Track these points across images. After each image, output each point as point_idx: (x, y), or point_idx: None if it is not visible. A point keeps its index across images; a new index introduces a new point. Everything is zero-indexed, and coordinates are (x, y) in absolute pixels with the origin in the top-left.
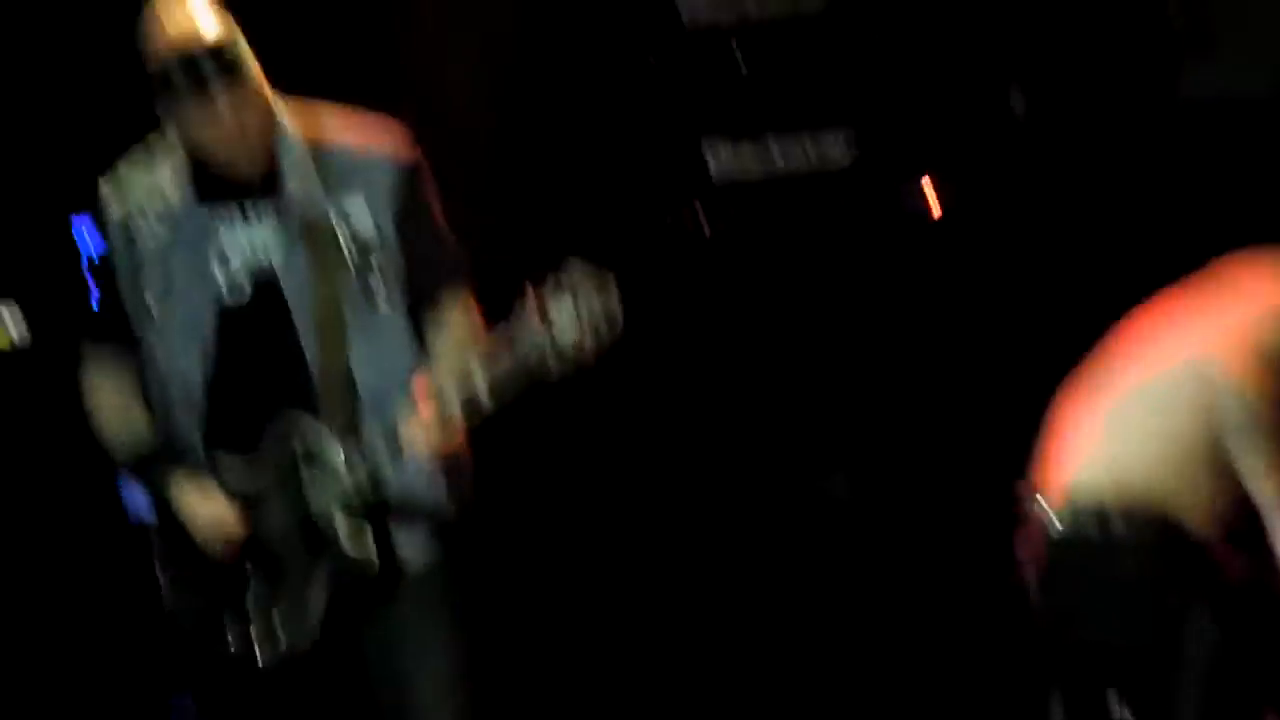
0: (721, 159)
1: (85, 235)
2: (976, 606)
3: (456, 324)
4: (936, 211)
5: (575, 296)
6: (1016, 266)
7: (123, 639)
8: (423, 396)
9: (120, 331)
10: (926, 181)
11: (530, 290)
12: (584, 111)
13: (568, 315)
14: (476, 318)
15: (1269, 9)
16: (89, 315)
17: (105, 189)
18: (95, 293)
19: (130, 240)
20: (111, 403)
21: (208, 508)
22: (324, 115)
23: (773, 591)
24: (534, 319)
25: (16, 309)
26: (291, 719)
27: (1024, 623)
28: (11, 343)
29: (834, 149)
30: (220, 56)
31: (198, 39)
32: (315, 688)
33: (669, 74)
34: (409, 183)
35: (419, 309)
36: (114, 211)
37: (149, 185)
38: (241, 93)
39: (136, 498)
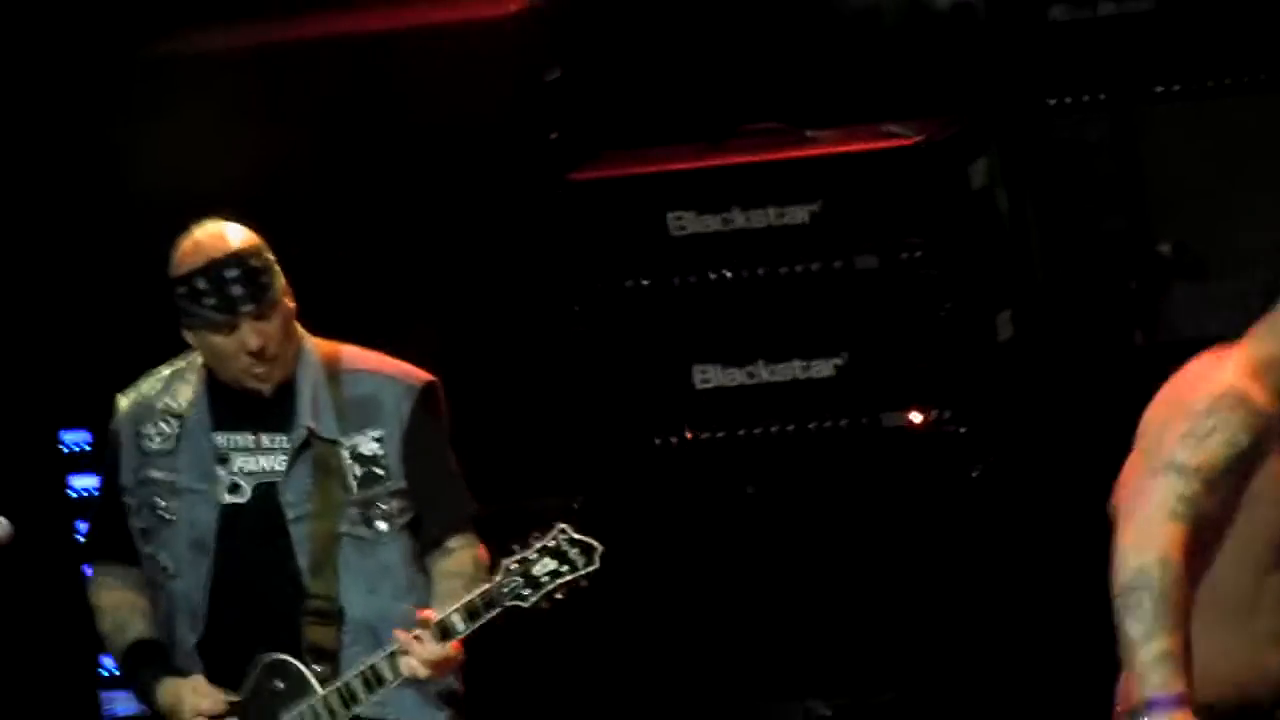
0: (709, 376)
1: (71, 448)
2: None
3: (460, 562)
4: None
5: (559, 560)
6: (1001, 485)
7: None
8: (422, 625)
9: (125, 552)
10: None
11: (517, 546)
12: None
13: (546, 578)
14: (482, 555)
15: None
16: (95, 535)
17: (122, 401)
18: (101, 512)
19: (139, 446)
20: (110, 608)
21: (194, 699)
22: (343, 348)
23: None
24: (514, 578)
25: (6, 522)
26: None
27: None
28: None
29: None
30: (249, 270)
31: (231, 251)
32: None
33: (657, 292)
34: (420, 415)
35: (423, 541)
36: (126, 421)
37: (166, 398)
38: (268, 311)
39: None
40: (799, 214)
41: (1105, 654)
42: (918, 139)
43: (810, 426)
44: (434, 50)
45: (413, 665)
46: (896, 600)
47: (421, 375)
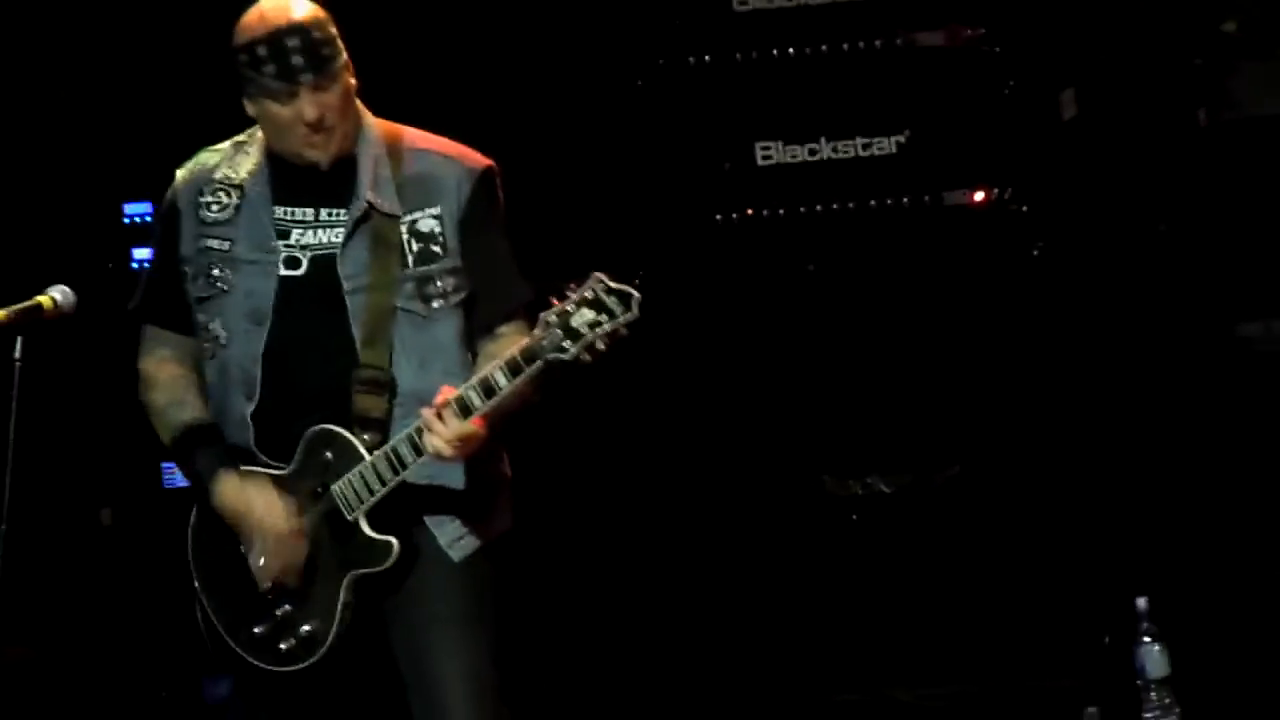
0: (771, 153)
1: (134, 219)
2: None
3: (505, 346)
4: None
5: (596, 310)
6: (1062, 264)
7: (161, 614)
8: (442, 401)
9: (180, 319)
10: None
11: (554, 299)
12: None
13: (586, 328)
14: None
15: None
16: (148, 299)
17: (180, 173)
18: (157, 277)
19: (198, 216)
20: (166, 381)
21: (268, 514)
22: (404, 129)
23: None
24: (554, 330)
25: (69, 291)
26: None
27: None
28: (56, 304)
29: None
30: (310, 40)
31: (292, 21)
32: (340, 687)
33: (720, 69)
34: (479, 196)
35: (475, 323)
36: (185, 191)
37: (226, 169)
38: (329, 82)
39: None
40: None
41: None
42: None
43: (872, 204)
44: None
45: (435, 443)
46: (957, 379)
47: (482, 158)
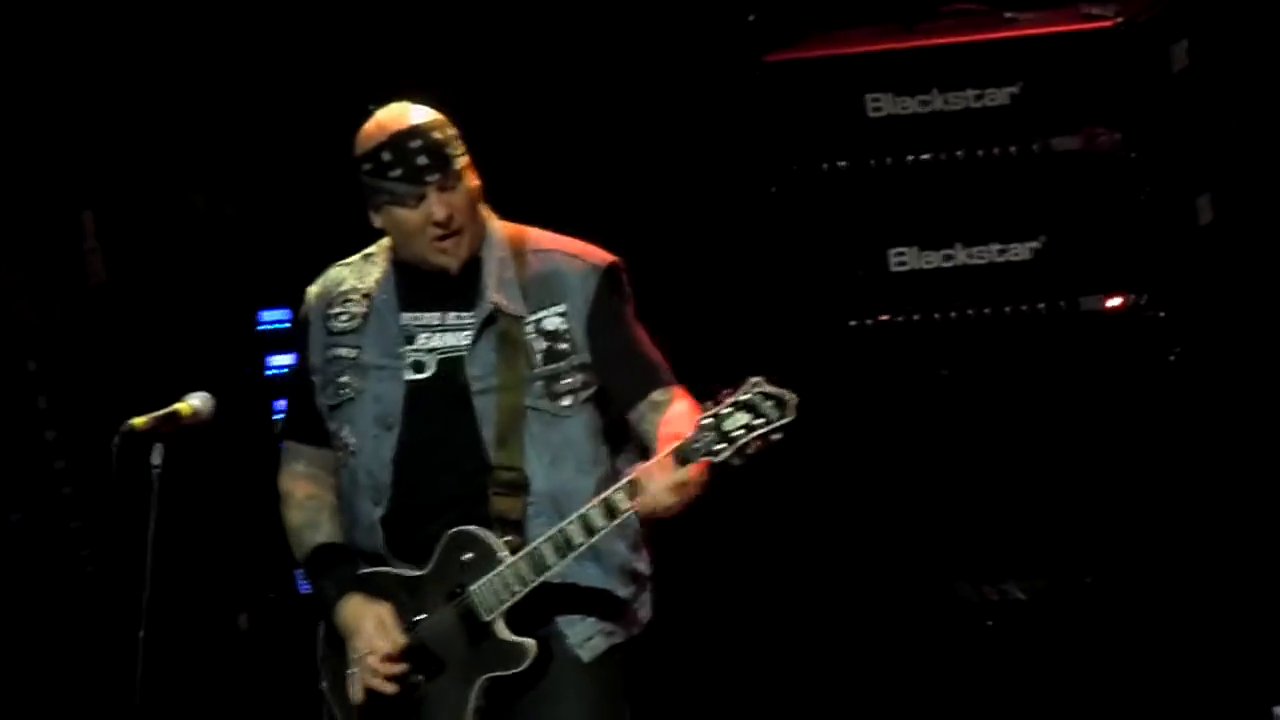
0: (905, 257)
1: (270, 327)
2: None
3: (674, 410)
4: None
5: (751, 414)
6: (1200, 370)
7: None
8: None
9: (316, 432)
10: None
11: (709, 402)
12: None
13: (740, 431)
14: (691, 403)
15: None
16: (288, 414)
17: (312, 289)
18: (293, 393)
19: (327, 327)
20: (301, 500)
21: (376, 634)
22: (528, 229)
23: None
24: (707, 433)
25: (209, 398)
26: None
27: None
28: (193, 412)
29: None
30: (434, 141)
31: (416, 124)
32: None
33: (854, 175)
34: (606, 289)
35: (619, 410)
36: (316, 305)
37: (354, 280)
38: (454, 183)
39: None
40: (998, 96)
41: None
42: (1118, 20)
43: (1006, 310)
44: None
45: (654, 493)
46: (1092, 485)
47: (606, 255)
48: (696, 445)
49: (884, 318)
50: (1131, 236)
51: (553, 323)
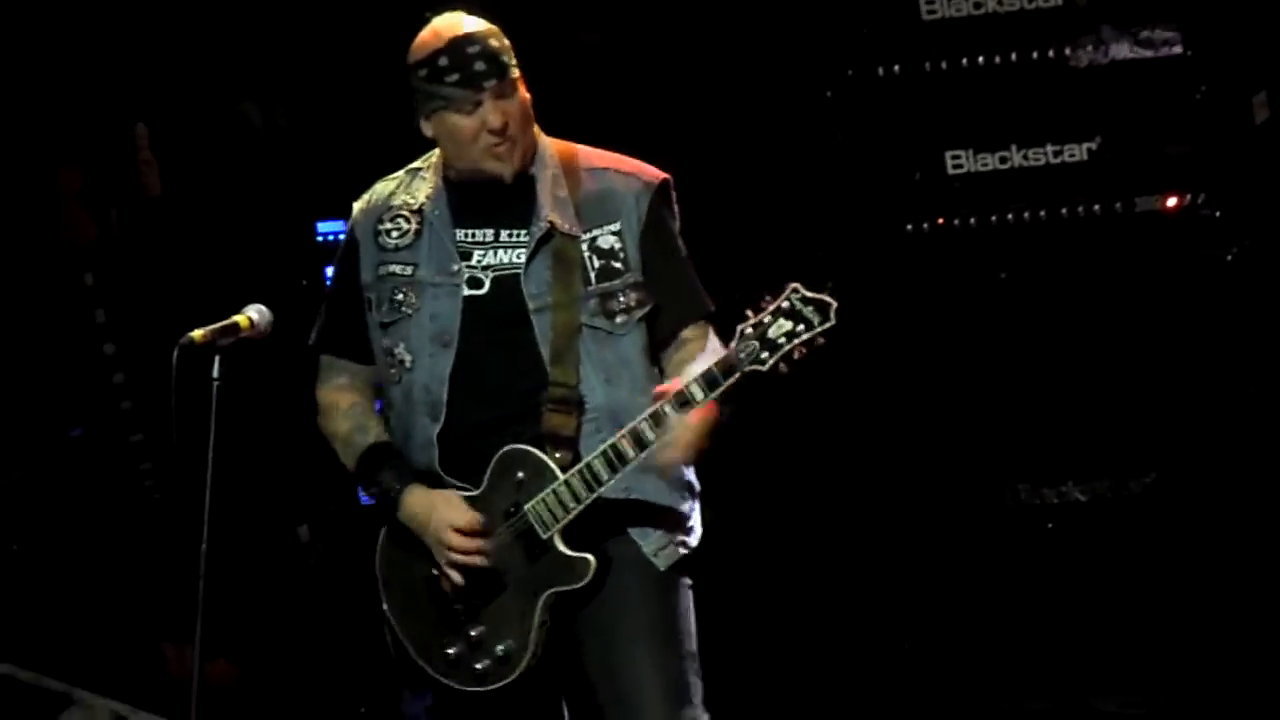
0: (962, 160)
1: (329, 240)
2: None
3: (693, 350)
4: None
5: (794, 320)
6: (1257, 269)
7: (361, 629)
8: (668, 397)
9: (360, 349)
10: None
11: (750, 311)
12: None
13: (783, 339)
14: (716, 343)
15: None
16: (327, 331)
17: (358, 204)
18: (336, 307)
19: (378, 243)
20: (346, 409)
21: (448, 510)
22: (579, 147)
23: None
24: (750, 342)
25: (266, 310)
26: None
27: None
28: (253, 323)
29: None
30: (489, 49)
31: (471, 31)
32: (534, 704)
33: (910, 81)
34: (657, 210)
35: (659, 335)
36: (363, 220)
37: (404, 196)
38: (508, 91)
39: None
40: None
41: None
42: None
43: (1063, 212)
44: None
45: (663, 441)
46: (1151, 385)
47: (657, 172)
48: (742, 356)
49: (941, 221)
50: (1188, 137)
51: (607, 241)
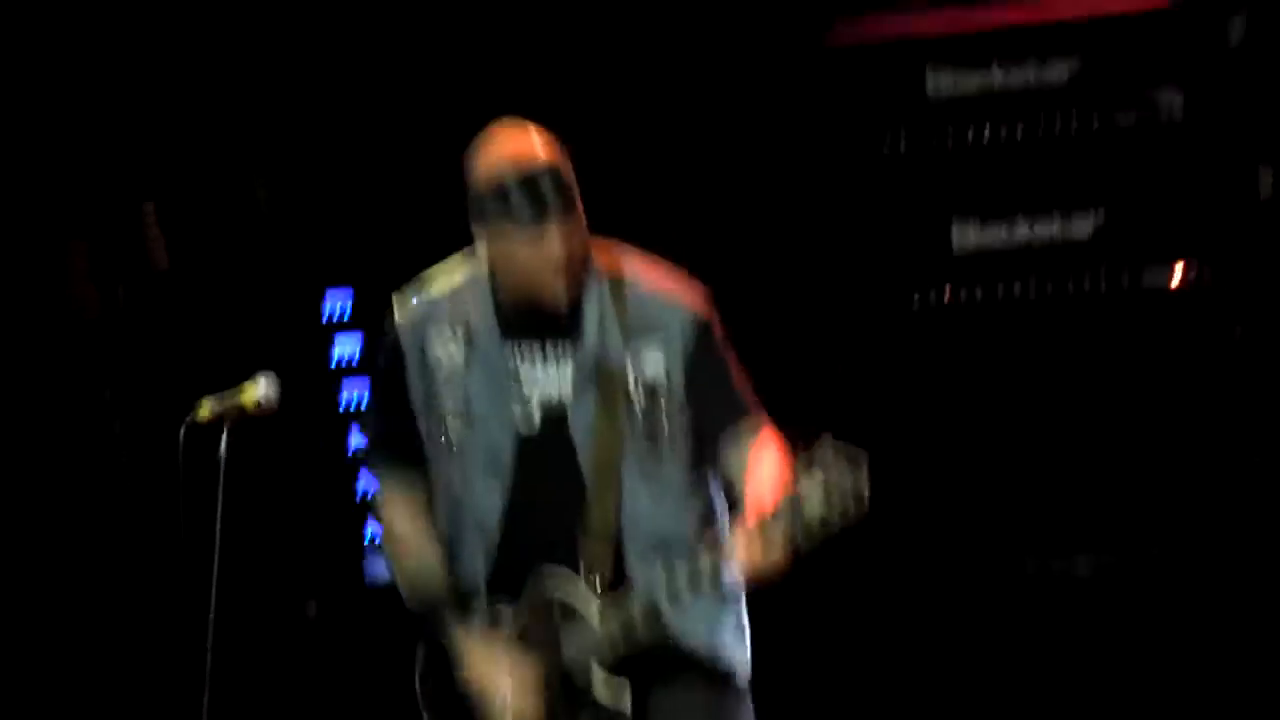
0: (968, 235)
1: (336, 308)
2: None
3: (763, 454)
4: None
5: (826, 475)
6: (1263, 344)
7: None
8: (754, 514)
9: (413, 453)
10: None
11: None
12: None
13: (818, 493)
14: (779, 450)
15: None
16: (380, 442)
17: (406, 302)
18: (385, 417)
19: (424, 358)
20: (408, 534)
21: (513, 692)
22: (626, 257)
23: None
24: (785, 517)
25: (274, 379)
26: None
27: None
28: (257, 403)
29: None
30: (560, 181)
31: (543, 161)
32: None
33: (916, 153)
34: (704, 334)
35: (708, 455)
36: (410, 330)
37: (454, 306)
38: (573, 222)
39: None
40: (1058, 73)
41: None
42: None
43: (1069, 285)
44: None
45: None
46: (1157, 461)
47: (701, 294)
48: (776, 528)
49: (948, 294)
50: (1193, 210)
51: (652, 368)
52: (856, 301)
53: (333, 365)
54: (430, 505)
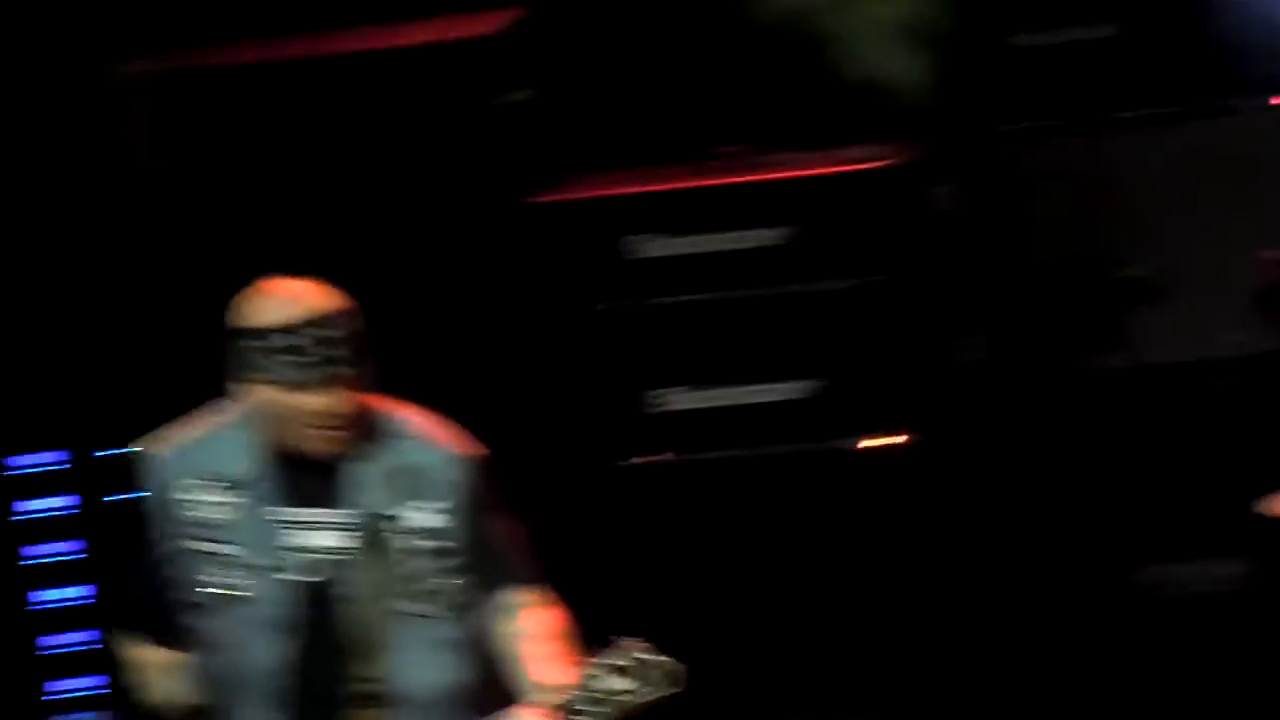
0: (668, 397)
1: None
2: None
3: (537, 622)
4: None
5: (638, 679)
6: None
7: None
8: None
9: (162, 625)
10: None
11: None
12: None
13: (620, 672)
14: (549, 611)
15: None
16: (127, 607)
17: (153, 456)
18: (132, 579)
19: (184, 514)
20: (158, 661)
21: None
22: (399, 410)
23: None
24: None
25: None
26: None
27: None
28: None
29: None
30: (331, 335)
31: (324, 311)
32: None
33: (619, 316)
34: (477, 490)
35: (485, 609)
36: (163, 482)
37: (215, 463)
38: (344, 376)
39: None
40: (765, 237)
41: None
42: (884, 163)
43: (778, 450)
44: (404, 71)
45: None
46: (861, 625)
47: (472, 444)
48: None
49: (653, 458)
50: (901, 376)
51: (422, 522)
52: (555, 459)
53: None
54: (184, 662)
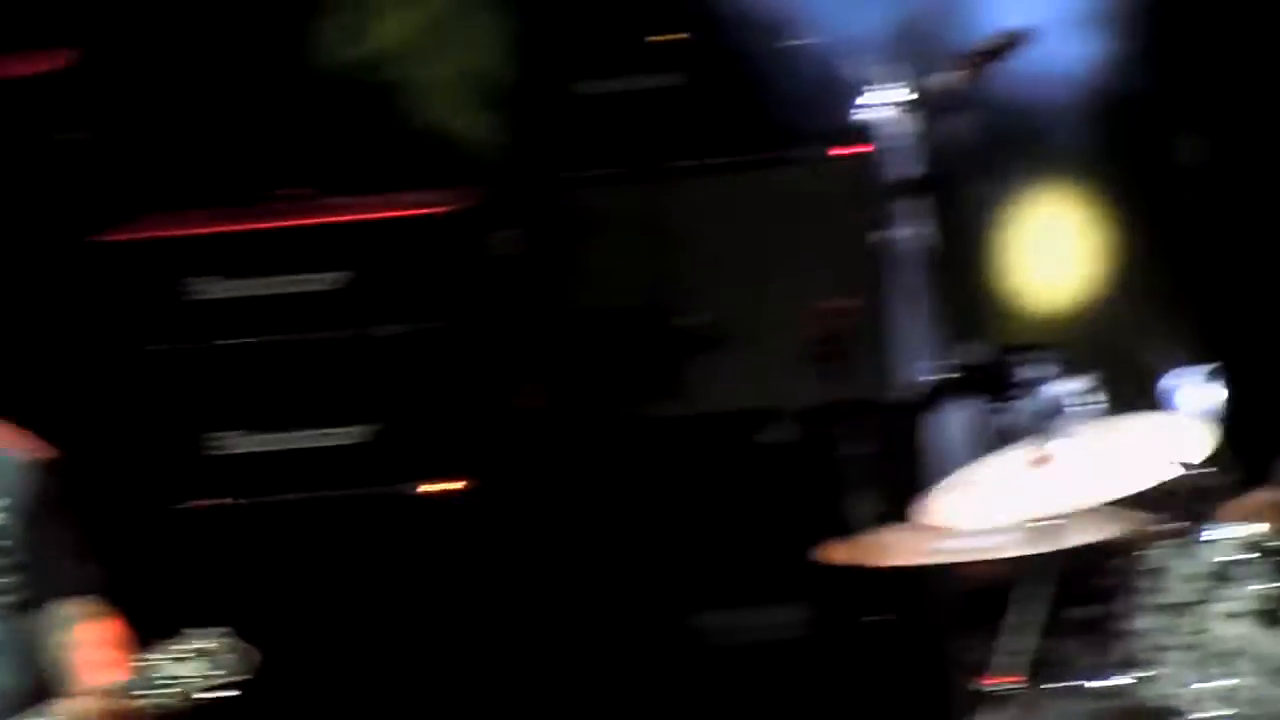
0: (227, 440)
1: None
2: None
3: (93, 633)
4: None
5: (207, 664)
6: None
7: None
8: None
9: None
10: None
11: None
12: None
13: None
14: (103, 621)
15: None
16: None
17: None
18: None
19: None
20: None
21: None
22: None
23: None
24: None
25: None
26: None
27: None
28: None
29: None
30: None
31: None
32: None
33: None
34: (37, 487)
35: (40, 616)
36: None
37: None
38: None
39: None
40: (325, 280)
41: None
42: (442, 208)
43: (337, 494)
44: None
45: None
46: (421, 668)
47: (44, 447)
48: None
49: (212, 501)
50: (459, 421)
51: None
52: (113, 502)
53: None
54: None
